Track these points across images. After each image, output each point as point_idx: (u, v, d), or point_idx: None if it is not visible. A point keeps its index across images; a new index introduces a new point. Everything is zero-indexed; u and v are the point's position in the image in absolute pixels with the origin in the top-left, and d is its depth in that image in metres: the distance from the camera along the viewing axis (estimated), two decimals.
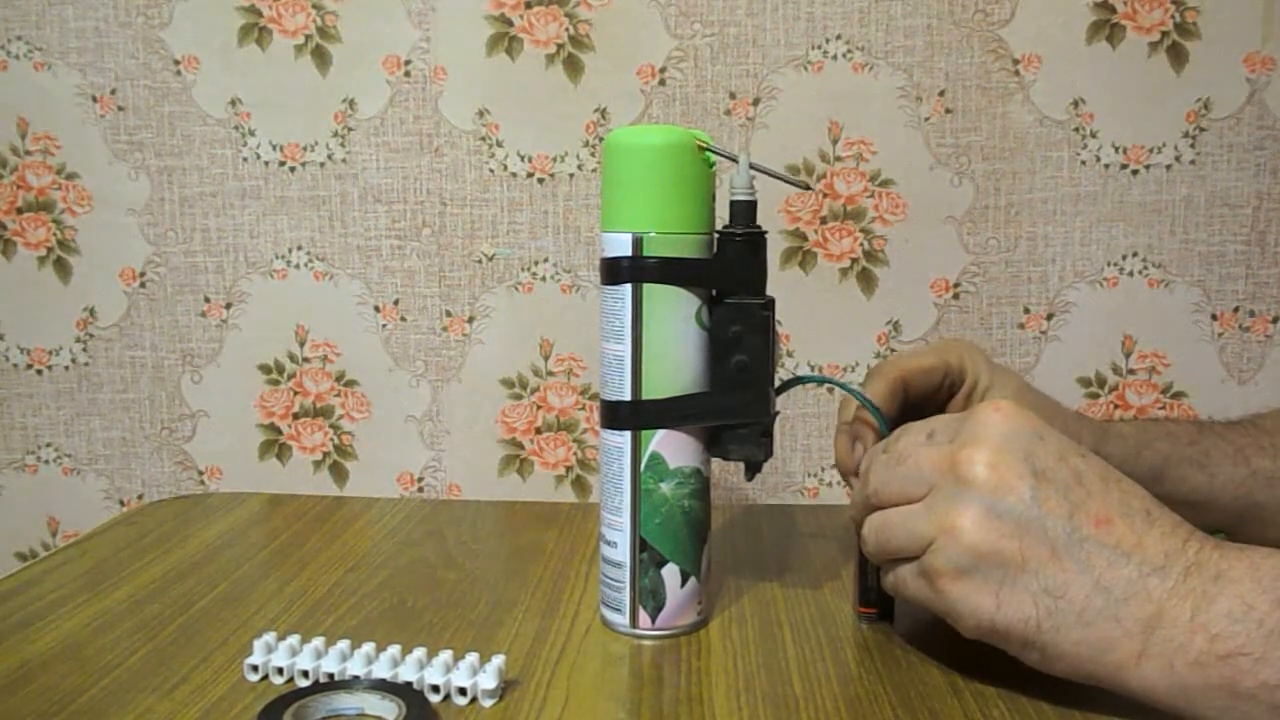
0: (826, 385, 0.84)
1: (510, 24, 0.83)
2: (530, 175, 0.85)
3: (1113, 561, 0.45)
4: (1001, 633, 0.47)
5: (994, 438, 0.48)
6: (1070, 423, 0.63)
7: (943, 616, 0.49)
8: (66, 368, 0.89)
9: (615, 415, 0.56)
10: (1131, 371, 0.84)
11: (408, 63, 0.84)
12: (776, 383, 0.58)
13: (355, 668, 0.51)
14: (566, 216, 0.85)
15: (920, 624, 0.58)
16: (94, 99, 0.86)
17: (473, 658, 0.51)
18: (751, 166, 0.56)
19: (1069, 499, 0.46)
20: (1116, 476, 0.48)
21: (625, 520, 0.57)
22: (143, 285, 0.88)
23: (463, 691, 0.49)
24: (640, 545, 0.56)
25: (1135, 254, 0.83)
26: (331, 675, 0.51)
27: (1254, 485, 0.65)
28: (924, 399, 0.62)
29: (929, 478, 0.49)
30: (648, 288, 0.55)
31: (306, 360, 0.88)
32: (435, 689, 0.49)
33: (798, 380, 0.60)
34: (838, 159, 0.83)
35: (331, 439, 0.89)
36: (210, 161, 0.86)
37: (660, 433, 0.56)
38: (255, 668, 0.52)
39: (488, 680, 0.49)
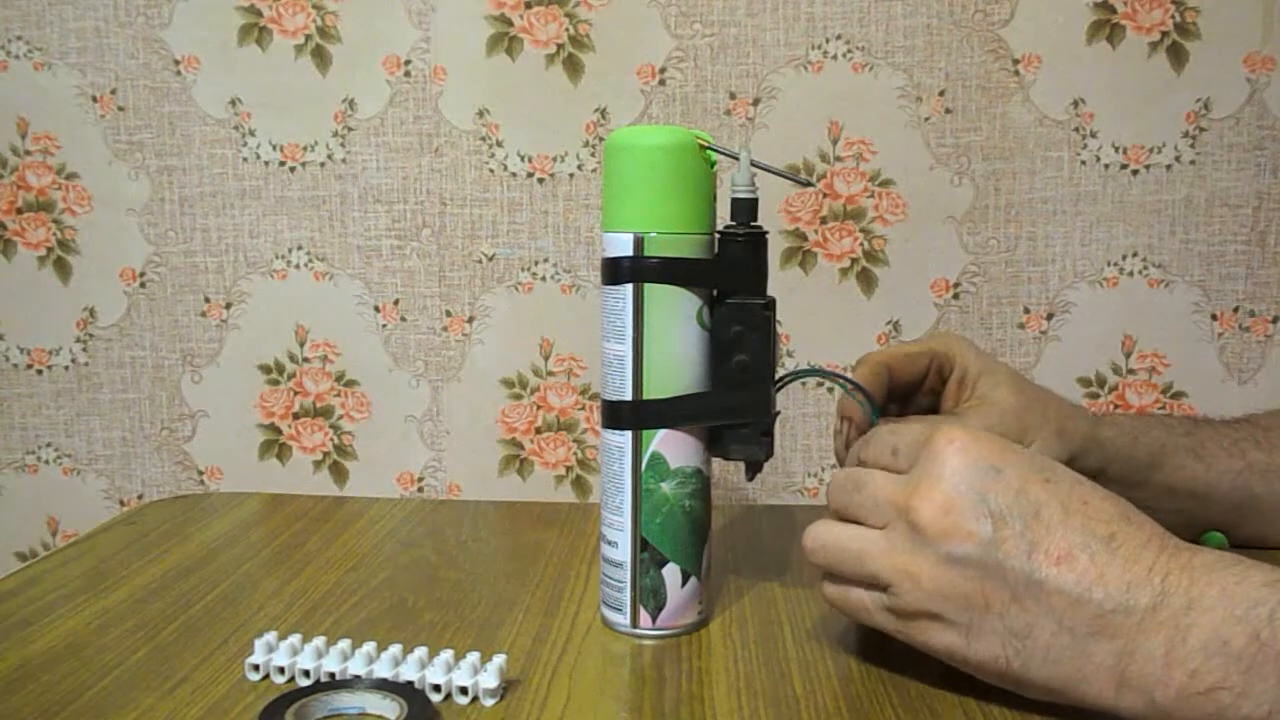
0: (827, 386, 0.85)
1: (510, 24, 0.83)
2: (530, 175, 0.85)
3: (1074, 600, 0.44)
4: (975, 666, 0.47)
5: (948, 478, 0.47)
6: (1064, 410, 0.63)
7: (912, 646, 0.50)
8: (66, 368, 0.89)
9: (616, 415, 0.56)
10: (1131, 371, 0.84)
11: (408, 63, 0.84)
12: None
13: (356, 667, 0.51)
14: (566, 216, 0.85)
15: None
16: (94, 99, 0.86)
17: (474, 657, 0.51)
18: (752, 164, 0.56)
19: (1027, 537, 0.45)
20: (1082, 497, 0.47)
21: (626, 520, 0.57)
22: (143, 285, 0.88)
23: (464, 691, 0.49)
24: (641, 545, 0.56)
25: (1135, 254, 0.83)
26: (333, 674, 0.51)
27: (1250, 477, 0.65)
28: (911, 385, 0.64)
29: (885, 512, 0.49)
30: (649, 288, 0.55)
31: (306, 360, 0.88)
32: (436, 688, 0.49)
33: (795, 375, 0.60)
34: (838, 159, 0.83)
35: (331, 439, 0.89)
36: (210, 161, 0.86)
37: (661, 432, 0.56)
38: (256, 667, 0.52)
39: (489, 679, 0.49)
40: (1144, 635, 0.43)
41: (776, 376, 0.58)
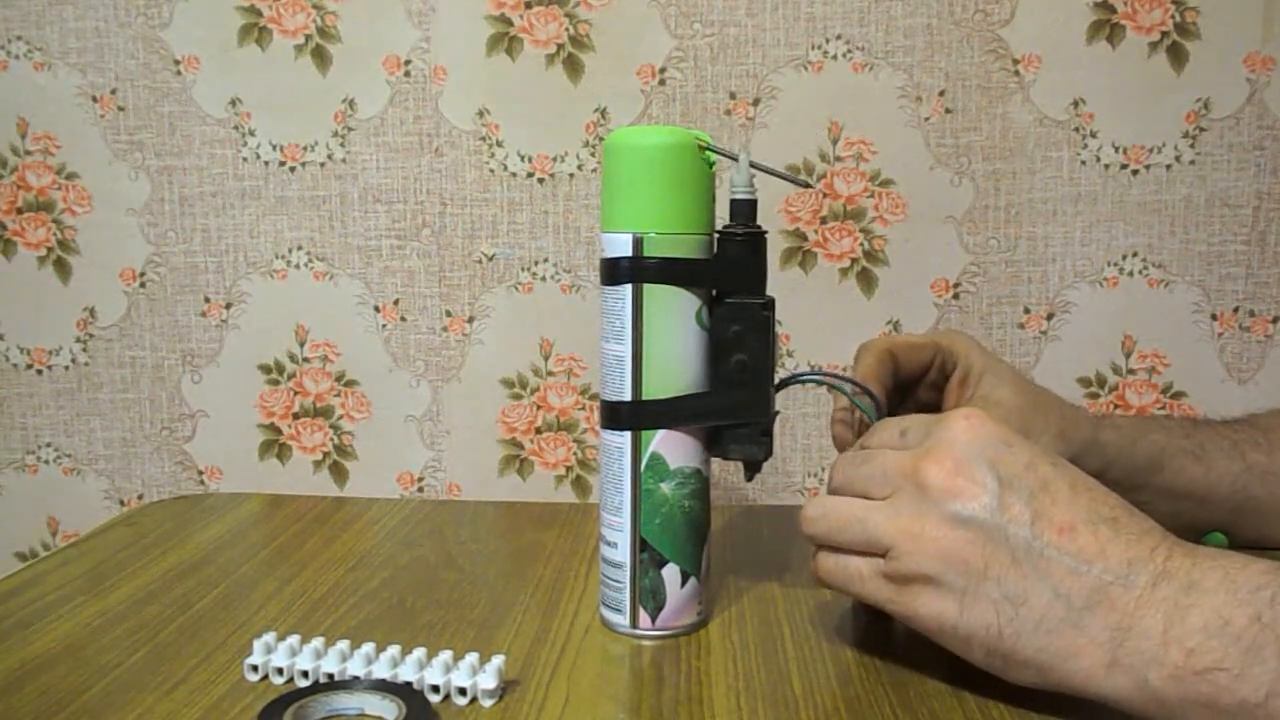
0: (826, 385, 0.84)
1: (510, 24, 0.83)
2: (530, 175, 0.85)
3: (1072, 570, 0.45)
4: (964, 638, 0.47)
5: (959, 445, 0.48)
6: (1065, 413, 0.64)
7: (901, 620, 0.50)
8: (66, 368, 0.89)
9: (615, 415, 0.56)
10: (1131, 371, 0.84)
11: (408, 63, 0.84)
12: (775, 381, 0.58)
13: (355, 668, 0.51)
14: (566, 216, 0.85)
15: None
16: (94, 99, 0.86)
17: (472, 658, 0.51)
18: (751, 165, 0.56)
19: (1032, 506, 0.46)
20: (1087, 484, 0.48)
21: (625, 520, 0.57)
22: (143, 285, 0.88)
23: (462, 691, 0.49)
24: (640, 545, 0.56)
25: (1135, 254, 0.83)
26: (331, 675, 0.51)
27: (1250, 479, 0.65)
28: (913, 377, 0.64)
29: (893, 480, 0.49)
30: (648, 288, 0.55)
31: (306, 360, 0.88)
32: (435, 689, 0.49)
33: (795, 379, 0.60)
34: (838, 159, 0.83)
35: (331, 439, 0.89)
36: (210, 161, 0.86)
37: (660, 433, 0.56)
38: (255, 668, 0.52)
39: (487, 680, 0.49)
40: (1142, 611, 0.43)
41: (777, 378, 0.58)
